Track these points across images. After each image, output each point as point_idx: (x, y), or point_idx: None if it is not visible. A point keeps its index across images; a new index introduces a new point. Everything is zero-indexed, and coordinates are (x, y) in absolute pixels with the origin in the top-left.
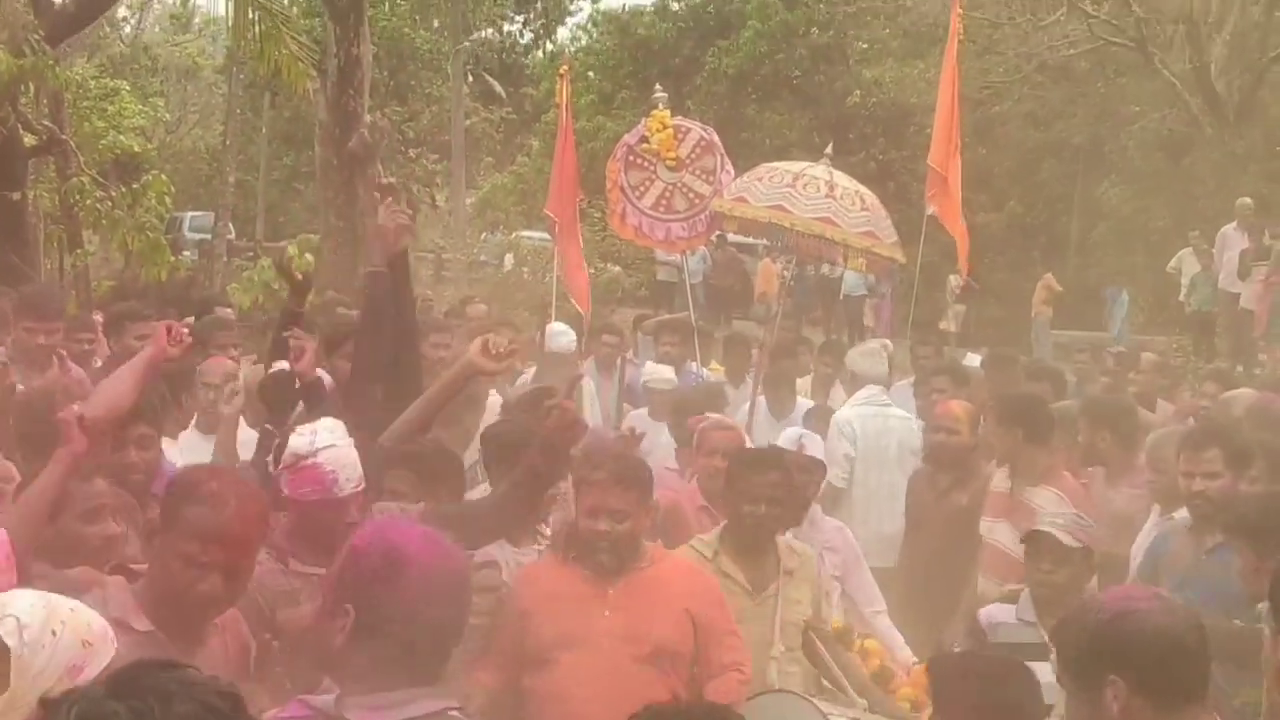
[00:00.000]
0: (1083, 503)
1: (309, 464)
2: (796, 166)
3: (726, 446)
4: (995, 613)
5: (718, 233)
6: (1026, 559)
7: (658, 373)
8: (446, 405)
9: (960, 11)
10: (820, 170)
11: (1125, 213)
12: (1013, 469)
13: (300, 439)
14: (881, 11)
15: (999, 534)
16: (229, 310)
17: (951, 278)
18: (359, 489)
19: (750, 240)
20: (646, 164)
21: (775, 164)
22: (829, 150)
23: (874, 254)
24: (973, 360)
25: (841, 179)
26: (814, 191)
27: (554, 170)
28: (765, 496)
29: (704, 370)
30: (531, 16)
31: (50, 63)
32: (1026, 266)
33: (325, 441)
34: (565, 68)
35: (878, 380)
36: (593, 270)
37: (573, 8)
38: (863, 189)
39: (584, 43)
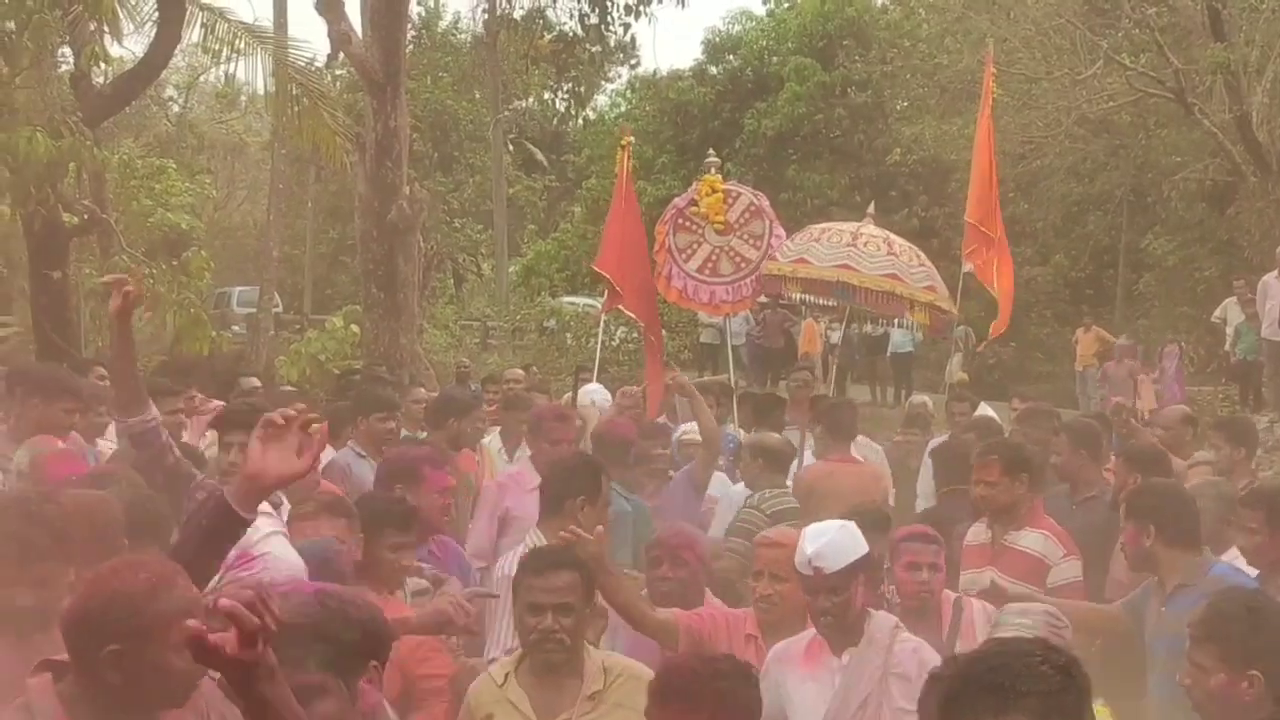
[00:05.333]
0: (1066, 541)
1: (255, 555)
2: (848, 226)
3: (778, 569)
4: None
5: (765, 295)
6: None
7: (694, 430)
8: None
9: (993, 70)
10: (874, 229)
11: (1171, 263)
12: (993, 517)
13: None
14: (919, 69)
15: (978, 585)
16: (255, 381)
17: (961, 328)
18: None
19: (792, 300)
20: (695, 227)
21: (825, 225)
22: (871, 209)
23: (937, 307)
24: (985, 410)
25: (894, 236)
26: (875, 249)
27: (610, 231)
28: (552, 605)
29: (739, 432)
30: (570, 85)
31: (89, 144)
32: (1073, 319)
33: (262, 531)
34: (627, 140)
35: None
36: (635, 334)
37: (610, 75)
38: (913, 246)
39: (623, 109)
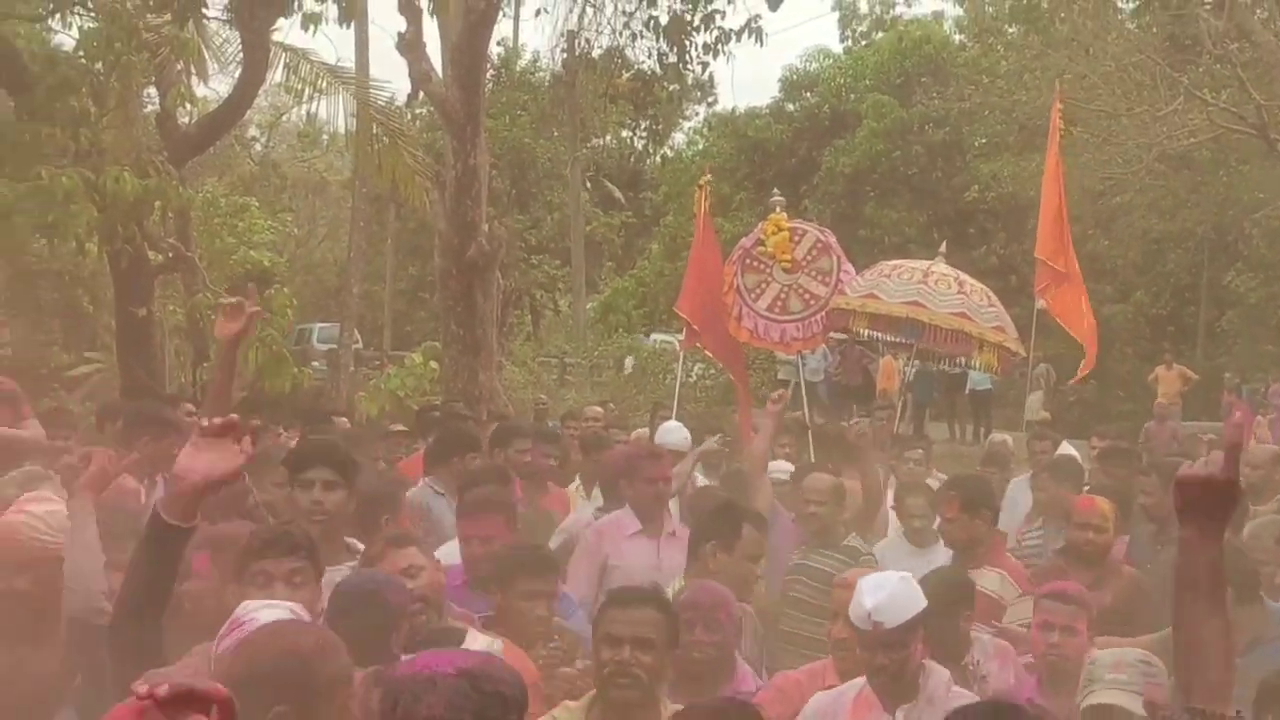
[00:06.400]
0: (1023, 582)
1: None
2: (920, 264)
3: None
4: None
5: (843, 331)
6: None
7: (777, 466)
8: None
9: (1061, 106)
10: (945, 267)
11: (1252, 300)
12: (961, 554)
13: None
14: (997, 106)
15: None
16: (344, 420)
17: (1042, 366)
18: None
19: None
20: (762, 266)
21: (896, 261)
22: (943, 248)
23: (1005, 348)
24: (1066, 449)
25: (965, 275)
26: (946, 288)
27: (691, 271)
28: (630, 637)
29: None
30: (647, 123)
31: (174, 183)
32: (1154, 357)
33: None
34: (705, 180)
35: None
36: (713, 371)
37: (688, 112)
38: (984, 286)
39: (700, 146)
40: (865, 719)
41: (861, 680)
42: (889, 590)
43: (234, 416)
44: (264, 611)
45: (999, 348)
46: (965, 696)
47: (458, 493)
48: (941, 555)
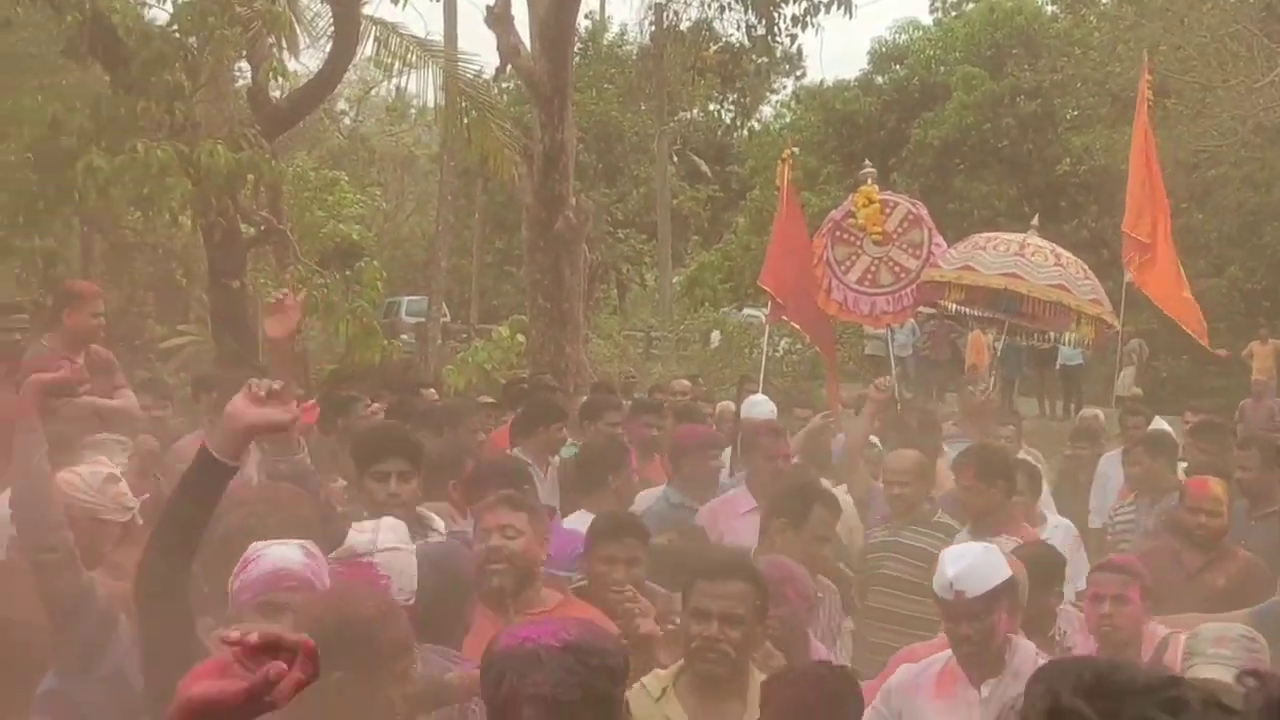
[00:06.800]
0: None
1: (364, 563)
2: (1015, 236)
3: None
4: None
5: (931, 306)
6: None
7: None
8: None
9: (1150, 78)
10: (1040, 239)
11: None
12: (976, 524)
13: (361, 536)
14: (1090, 78)
15: None
16: (432, 392)
17: (1134, 341)
18: (409, 602)
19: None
20: (852, 239)
21: (989, 234)
22: (1035, 221)
23: (1103, 320)
24: (1160, 424)
25: (1059, 248)
26: (1043, 260)
27: (774, 245)
28: (719, 613)
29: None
30: (735, 96)
31: (267, 156)
32: (1249, 332)
33: (387, 543)
34: (788, 153)
35: None
36: (800, 345)
37: (776, 85)
38: (1078, 259)
39: (788, 119)
40: (950, 691)
41: (947, 653)
42: (971, 560)
43: (282, 386)
44: (272, 549)
45: (1096, 320)
46: None
47: (544, 462)
48: (1044, 535)
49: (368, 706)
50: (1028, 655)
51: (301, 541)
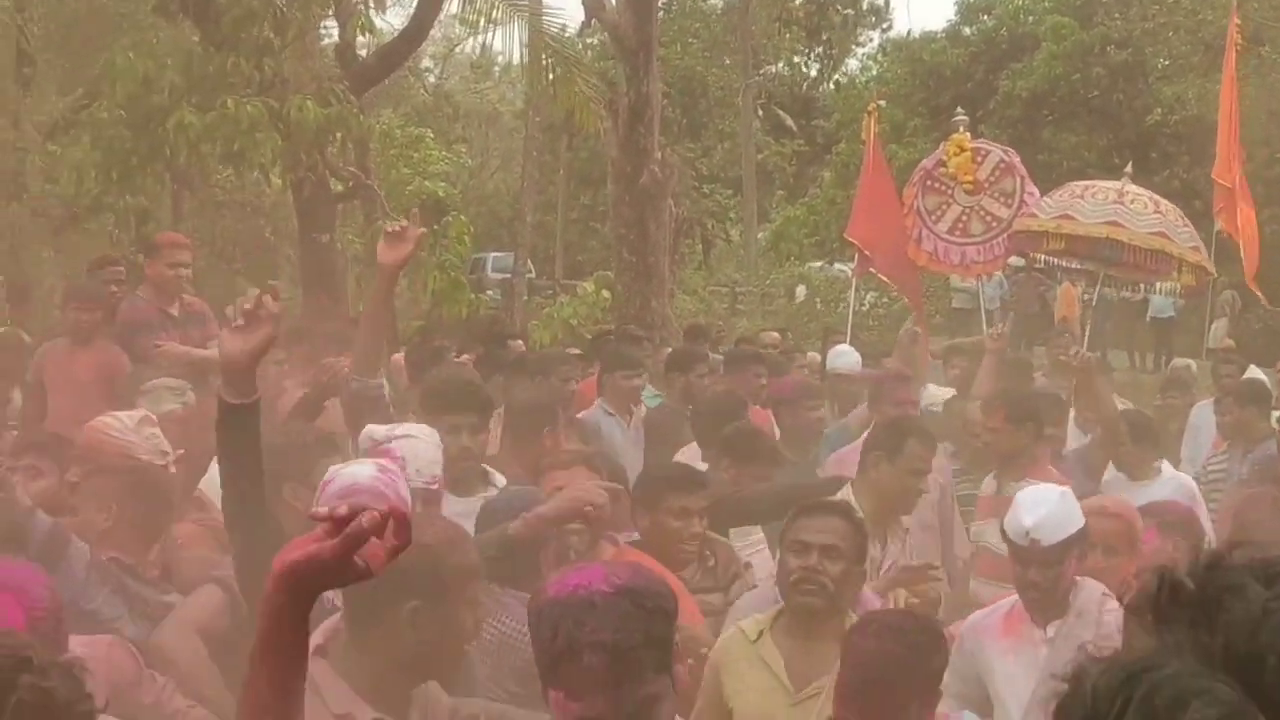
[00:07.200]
0: None
1: (382, 448)
2: (1111, 184)
3: (1114, 541)
4: None
5: (1021, 256)
6: None
7: (937, 394)
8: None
9: (1239, 23)
10: (1137, 187)
11: None
12: (1003, 466)
13: (380, 429)
14: (1181, 26)
15: (988, 536)
16: (520, 343)
17: (1227, 293)
18: (430, 485)
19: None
20: (943, 188)
21: (1086, 182)
22: (1128, 169)
23: (1203, 268)
24: (1254, 373)
25: (1158, 196)
26: (1142, 207)
27: (860, 197)
28: (819, 545)
29: None
30: (821, 49)
31: (355, 112)
32: None
33: (405, 432)
34: (874, 106)
35: None
36: (886, 299)
37: (862, 38)
38: (1175, 207)
39: (874, 72)
40: (1017, 631)
41: (1013, 598)
42: (1049, 508)
43: (261, 297)
44: (346, 468)
45: (1197, 268)
46: (1118, 610)
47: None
48: (1158, 488)
49: (444, 632)
50: (1092, 596)
51: (377, 460)
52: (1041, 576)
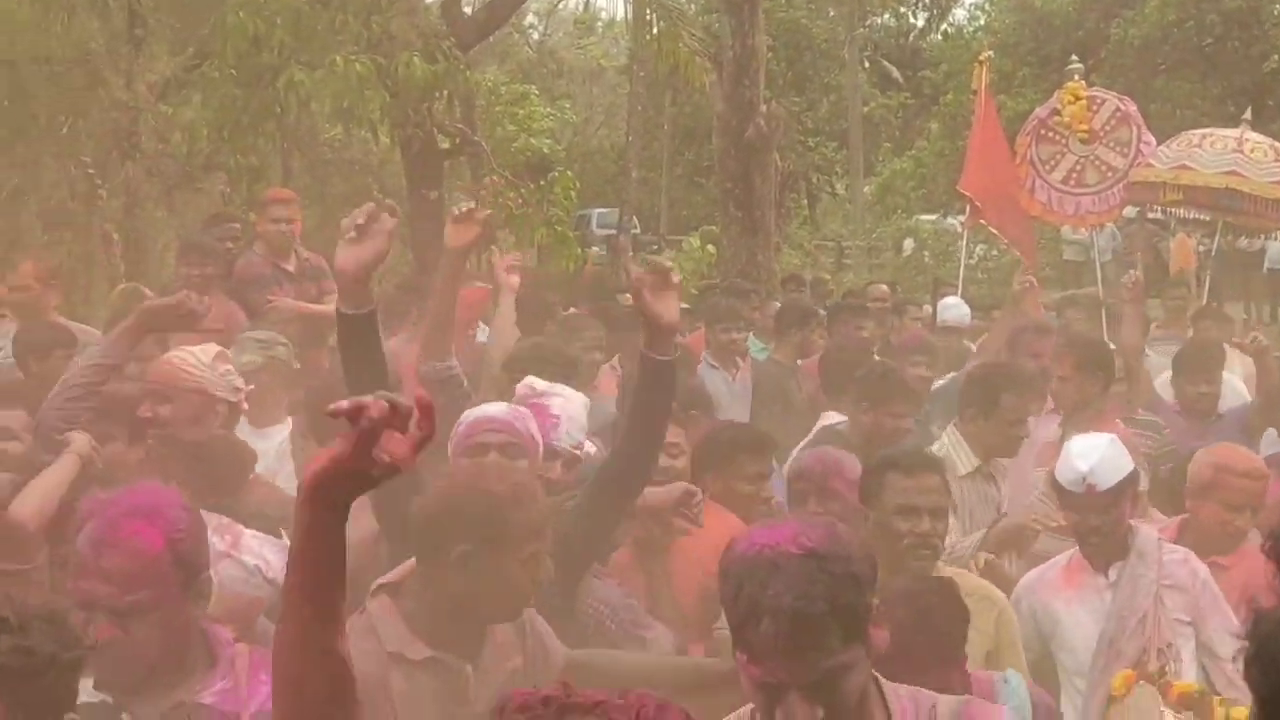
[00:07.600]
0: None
1: (536, 401)
2: (1230, 132)
3: (1246, 500)
4: None
5: (1132, 205)
6: None
7: None
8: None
9: None
10: (1257, 135)
11: None
12: (1070, 416)
13: (541, 382)
14: None
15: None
16: (628, 298)
17: None
18: (576, 449)
19: (1163, 214)
20: (1058, 137)
21: (1203, 130)
22: (1247, 116)
23: None
24: None
25: (1278, 144)
26: (1262, 156)
27: (972, 149)
28: (929, 507)
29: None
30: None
31: (462, 68)
32: None
33: (561, 391)
34: (985, 56)
35: None
36: (995, 251)
37: None
38: None
39: (982, 21)
40: (1080, 581)
41: (1068, 552)
42: (1101, 453)
43: (372, 209)
44: (480, 407)
45: None
46: (1177, 552)
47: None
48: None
49: (491, 583)
50: (1149, 537)
51: (511, 404)
52: (1101, 521)
